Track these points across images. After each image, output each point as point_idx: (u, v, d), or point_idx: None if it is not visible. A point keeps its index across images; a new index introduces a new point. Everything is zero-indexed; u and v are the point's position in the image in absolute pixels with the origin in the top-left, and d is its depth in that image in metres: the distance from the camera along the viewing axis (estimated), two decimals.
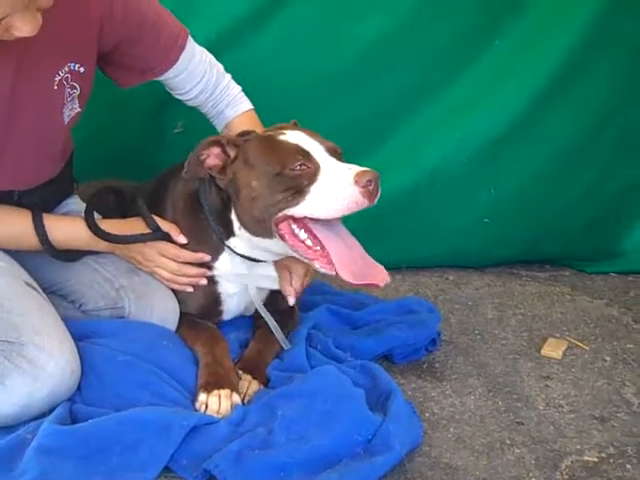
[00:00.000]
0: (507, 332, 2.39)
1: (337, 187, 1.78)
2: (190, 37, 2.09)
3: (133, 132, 2.67)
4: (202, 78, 2.13)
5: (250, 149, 1.91)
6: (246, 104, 2.22)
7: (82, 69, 1.89)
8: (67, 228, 1.96)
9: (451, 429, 1.85)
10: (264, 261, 2.03)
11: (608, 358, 2.23)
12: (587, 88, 2.73)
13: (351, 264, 1.83)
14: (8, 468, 1.56)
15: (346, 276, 1.81)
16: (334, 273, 1.84)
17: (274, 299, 2.13)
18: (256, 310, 2.11)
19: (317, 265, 1.85)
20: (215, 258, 2.04)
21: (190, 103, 2.21)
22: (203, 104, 2.20)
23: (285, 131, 1.94)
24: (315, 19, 2.62)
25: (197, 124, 2.60)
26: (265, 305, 2.09)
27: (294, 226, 1.86)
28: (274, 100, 2.56)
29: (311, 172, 1.82)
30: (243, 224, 1.93)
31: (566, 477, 1.68)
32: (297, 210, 1.83)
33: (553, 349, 2.25)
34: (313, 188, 1.81)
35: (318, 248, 1.86)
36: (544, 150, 2.78)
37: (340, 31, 2.63)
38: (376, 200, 1.81)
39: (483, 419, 1.89)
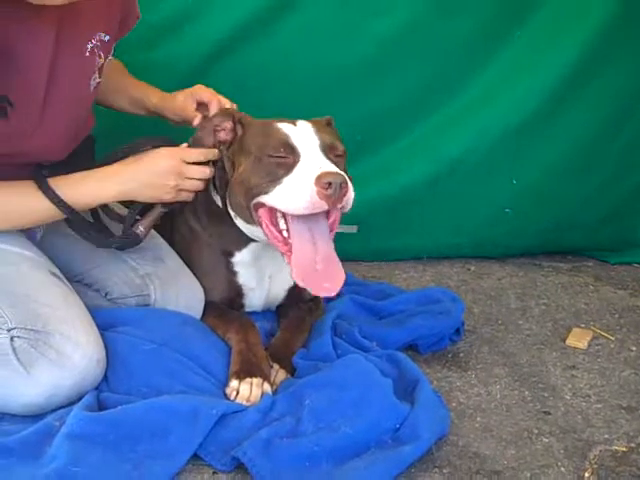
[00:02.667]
0: (531, 322, 2.38)
1: (300, 184, 1.75)
2: None
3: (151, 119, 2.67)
4: None
5: (248, 131, 1.91)
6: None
7: (107, 37, 1.91)
8: (74, 183, 1.85)
9: (478, 418, 1.84)
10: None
11: (634, 348, 2.22)
12: (606, 80, 2.72)
13: (306, 265, 1.79)
14: (36, 455, 1.56)
15: (294, 274, 1.78)
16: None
17: (302, 288, 2.11)
18: (280, 306, 2.13)
19: (286, 259, 1.82)
20: (238, 249, 2.04)
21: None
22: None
23: (297, 122, 1.91)
24: (335, 13, 2.61)
25: None
26: (288, 295, 2.09)
27: (278, 214, 1.83)
28: (293, 94, 2.57)
29: (289, 164, 1.80)
30: (233, 209, 1.93)
31: (595, 466, 1.67)
32: (267, 199, 1.81)
33: (578, 339, 2.24)
34: (285, 179, 1.79)
35: (280, 237, 1.84)
36: (565, 141, 2.77)
37: (360, 25, 2.63)
38: (342, 205, 1.74)
39: (510, 408, 1.88)
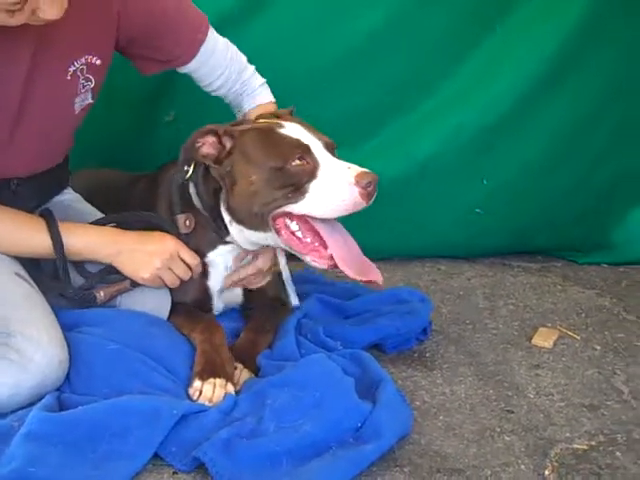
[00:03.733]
0: (498, 322, 2.39)
1: (337, 187, 1.79)
2: (212, 30, 2.10)
3: (125, 121, 2.67)
4: (224, 71, 2.14)
5: (249, 141, 1.89)
6: (266, 96, 2.22)
7: (99, 61, 1.91)
8: (79, 234, 1.92)
9: (441, 417, 1.85)
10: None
11: (598, 347, 2.23)
12: (580, 79, 2.73)
13: (352, 261, 1.85)
14: None
15: (350, 272, 1.83)
16: (325, 267, 1.86)
17: (262, 288, 2.13)
18: (244, 301, 2.14)
19: (309, 258, 1.87)
20: (211, 250, 2.04)
21: (214, 94, 2.21)
22: (225, 95, 2.21)
23: (283, 123, 1.92)
24: (307, 11, 2.62)
25: (188, 113, 2.60)
26: (254, 295, 2.11)
27: (287, 219, 1.86)
28: (272, 86, 2.57)
29: (310, 169, 1.82)
30: (237, 217, 1.92)
31: (555, 464, 1.68)
32: (296, 207, 1.83)
33: (544, 338, 2.25)
34: (312, 186, 1.81)
35: (309, 240, 1.86)
36: (536, 141, 2.78)
37: (333, 23, 2.63)
38: (372, 201, 1.81)
39: (473, 407, 1.89)
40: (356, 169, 1.80)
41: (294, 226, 1.87)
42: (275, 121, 1.95)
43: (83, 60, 1.87)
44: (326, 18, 2.63)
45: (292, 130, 1.89)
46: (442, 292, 2.61)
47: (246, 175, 1.86)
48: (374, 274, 1.87)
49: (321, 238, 1.87)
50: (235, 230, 1.95)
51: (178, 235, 1.98)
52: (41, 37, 1.75)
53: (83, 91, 1.92)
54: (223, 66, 2.13)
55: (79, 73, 1.88)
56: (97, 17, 1.86)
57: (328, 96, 2.67)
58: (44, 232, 1.86)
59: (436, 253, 2.88)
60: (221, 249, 2.04)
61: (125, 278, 1.94)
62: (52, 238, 1.86)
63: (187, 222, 2.00)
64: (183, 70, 2.12)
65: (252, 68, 2.21)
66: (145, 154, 2.62)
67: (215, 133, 1.91)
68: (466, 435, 1.78)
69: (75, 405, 1.66)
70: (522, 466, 1.67)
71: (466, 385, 2.00)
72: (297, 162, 1.82)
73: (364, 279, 1.85)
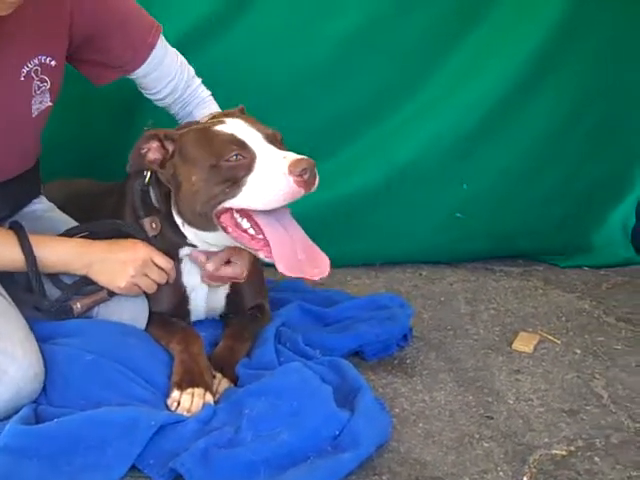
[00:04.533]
0: (479, 327, 2.39)
1: (272, 178, 1.75)
2: (162, 37, 2.09)
3: (102, 130, 2.66)
4: (173, 79, 2.13)
5: (187, 142, 1.88)
6: (214, 107, 2.21)
7: (53, 62, 1.89)
8: (51, 246, 1.90)
9: (420, 424, 1.84)
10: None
11: (578, 351, 2.24)
12: (558, 84, 2.76)
13: (289, 255, 1.80)
14: None
15: (281, 267, 1.78)
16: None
17: (241, 296, 2.12)
18: (226, 307, 2.12)
19: (262, 255, 1.83)
20: (181, 248, 2.01)
21: (160, 103, 2.20)
22: (172, 105, 2.19)
23: (225, 119, 1.91)
24: (286, 16, 2.63)
25: (167, 121, 2.59)
26: (235, 301, 2.11)
27: (237, 215, 1.83)
28: (246, 98, 2.55)
29: (247, 162, 1.79)
30: (186, 219, 1.91)
31: (534, 470, 1.68)
32: (234, 202, 1.80)
33: (524, 343, 2.25)
34: (249, 179, 1.78)
35: (261, 237, 1.83)
36: (516, 146, 2.80)
37: (312, 28, 2.64)
38: (314, 188, 1.78)
39: (453, 414, 1.89)
40: (291, 157, 1.76)
41: (245, 223, 1.84)
42: (217, 120, 1.94)
43: (36, 61, 1.85)
44: (300, 24, 2.63)
45: (230, 126, 1.87)
46: (423, 297, 2.61)
47: (188, 176, 1.85)
48: (311, 271, 1.79)
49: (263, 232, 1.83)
50: (189, 232, 1.94)
51: (147, 239, 1.97)
52: None
53: (39, 92, 1.89)
54: (172, 73, 2.12)
55: (33, 74, 1.86)
56: (49, 17, 1.84)
57: (306, 104, 2.68)
58: (15, 246, 1.84)
59: (418, 258, 2.88)
60: (188, 250, 2.01)
61: (102, 288, 1.93)
62: (24, 253, 1.84)
63: (153, 224, 1.98)
64: (132, 76, 2.10)
65: (199, 80, 2.21)
66: (124, 163, 2.60)
67: (157, 137, 1.91)
68: (445, 442, 1.77)
69: (52, 417, 1.64)
70: (501, 473, 1.67)
71: (446, 391, 2.00)
72: (232, 157, 1.79)
73: (297, 275, 1.79)
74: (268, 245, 1.81)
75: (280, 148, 1.84)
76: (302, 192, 1.75)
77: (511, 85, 2.72)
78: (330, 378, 1.84)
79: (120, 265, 1.90)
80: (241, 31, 2.60)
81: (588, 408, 1.93)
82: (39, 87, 1.89)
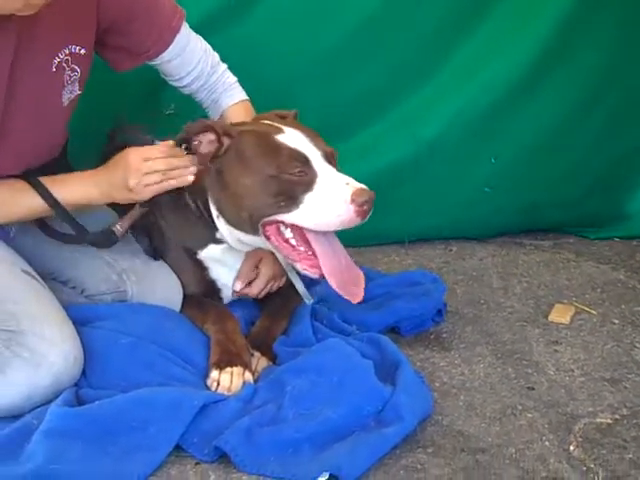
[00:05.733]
0: (513, 300, 2.37)
1: (333, 202, 1.75)
2: (185, 23, 2.07)
3: (125, 115, 2.64)
4: (197, 65, 2.11)
5: (246, 144, 1.85)
6: (241, 94, 2.19)
7: (83, 51, 1.88)
8: (64, 183, 1.88)
9: (462, 397, 1.83)
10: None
11: (616, 321, 2.21)
12: (585, 54, 2.71)
13: (337, 272, 1.82)
14: (15, 454, 1.54)
15: (332, 283, 1.80)
16: (317, 276, 1.83)
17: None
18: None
19: (300, 266, 1.84)
20: (201, 247, 2.01)
21: (185, 90, 2.17)
22: (198, 92, 2.17)
23: (284, 128, 1.87)
24: None
25: (189, 106, 2.57)
26: None
27: (283, 226, 1.83)
28: (267, 81, 2.55)
29: (307, 180, 1.78)
30: (225, 217, 1.89)
31: (580, 439, 1.67)
32: (287, 217, 1.80)
33: (561, 315, 2.23)
34: (307, 197, 1.77)
35: (303, 249, 1.84)
36: (542, 118, 2.76)
37: (333, 8, 2.61)
38: (367, 219, 1.78)
39: (493, 386, 1.88)
40: (354, 185, 1.76)
41: (288, 233, 1.84)
42: (276, 125, 1.90)
43: (67, 51, 1.84)
44: (325, 4, 2.60)
45: (292, 138, 1.84)
46: (455, 273, 2.58)
47: (239, 178, 1.82)
48: (352, 292, 1.82)
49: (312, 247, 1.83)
50: (224, 228, 1.92)
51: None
52: (22, 31, 1.72)
53: (70, 82, 1.89)
54: (197, 58, 2.09)
55: (64, 64, 1.85)
56: (78, 5, 1.82)
57: (331, 81, 2.65)
58: (33, 194, 1.83)
59: (447, 235, 2.86)
60: (212, 248, 2.00)
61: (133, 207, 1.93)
62: (42, 197, 1.83)
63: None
64: (157, 62, 2.06)
65: (225, 66, 2.18)
66: None
67: (214, 130, 1.86)
68: (488, 414, 1.76)
69: (93, 400, 1.65)
70: (546, 442, 1.66)
71: (485, 364, 1.98)
72: (295, 173, 1.78)
73: (343, 294, 1.82)
74: (309, 258, 1.82)
75: (334, 167, 1.83)
76: (358, 222, 1.76)
77: (537, 59, 2.68)
78: (369, 353, 1.83)
79: (123, 181, 1.83)
80: (262, 12, 2.57)
81: (630, 377, 1.92)
82: (70, 77, 1.88)
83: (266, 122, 1.94)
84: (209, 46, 2.16)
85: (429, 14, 2.65)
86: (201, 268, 2.03)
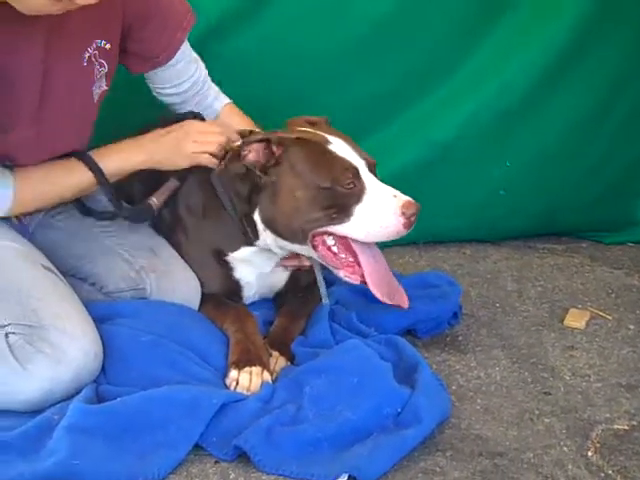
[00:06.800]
0: (528, 304, 2.37)
1: (383, 215, 1.80)
2: None
3: (141, 114, 2.64)
4: (195, 71, 2.12)
5: (298, 154, 1.85)
6: (225, 97, 2.22)
7: (108, 45, 1.89)
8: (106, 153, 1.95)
9: (478, 401, 1.84)
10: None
11: (632, 326, 2.22)
12: (596, 60, 2.70)
13: (382, 284, 1.88)
14: (36, 449, 1.55)
15: (379, 295, 1.86)
16: (357, 282, 1.88)
17: (295, 281, 2.13)
18: (277, 293, 2.13)
19: (342, 274, 1.88)
20: (231, 250, 2.02)
21: (177, 99, 2.14)
22: (189, 99, 2.15)
23: (329, 138, 1.89)
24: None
25: None
26: (286, 283, 2.11)
27: (327, 235, 1.87)
28: (282, 81, 2.56)
29: (357, 192, 1.82)
30: (272, 228, 1.90)
31: (598, 445, 1.67)
32: (338, 229, 1.83)
33: (576, 319, 2.23)
34: (357, 210, 1.81)
35: (344, 256, 1.88)
36: (557, 122, 2.75)
37: (348, 9, 2.60)
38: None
39: (510, 390, 1.88)
40: (402, 198, 1.81)
41: (330, 241, 1.87)
42: (320, 134, 1.92)
43: (94, 45, 1.86)
44: (340, 4, 2.60)
45: (340, 148, 1.87)
46: (469, 276, 2.58)
47: (291, 189, 1.84)
48: (401, 299, 1.90)
49: (355, 255, 1.87)
50: (269, 237, 1.93)
51: None
52: (52, 25, 1.73)
53: (99, 77, 1.90)
54: (194, 64, 2.11)
55: (94, 59, 1.87)
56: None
57: (344, 84, 2.64)
58: (85, 170, 1.90)
59: (461, 237, 2.86)
60: (244, 251, 2.01)
61: (168, 179, 2.00)
62: (94, 173, 1.89)
63: None
64: (163, 69, 2.06)
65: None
66: None
67: (267, 141, 1.87)
68: (505, 418, 1.77)
69: (113, 397, 1.65)
70: (564, 448, 1.66)
71: (501, 368, 1.99)
72: (348, 185, 1.80)
73: (391, 302, 1.88)
74: (351, 265, 1.87)
75: (376, 177, 1.88)
76: (404, 233, 1.81)
77: (551, 63, 2.68)
78: (388, 355, 1.84)
79: (175, 146, 1.93)
80: (275, 15, 2.56)
81: None
82: (98, 72, 1.90)
83: (308, 130, 1.95)
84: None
85: (443, 17, 2.65)
86: (227, 268, 2.04)
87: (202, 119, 2.07)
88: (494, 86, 2.70)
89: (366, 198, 1.81)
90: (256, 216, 1.92)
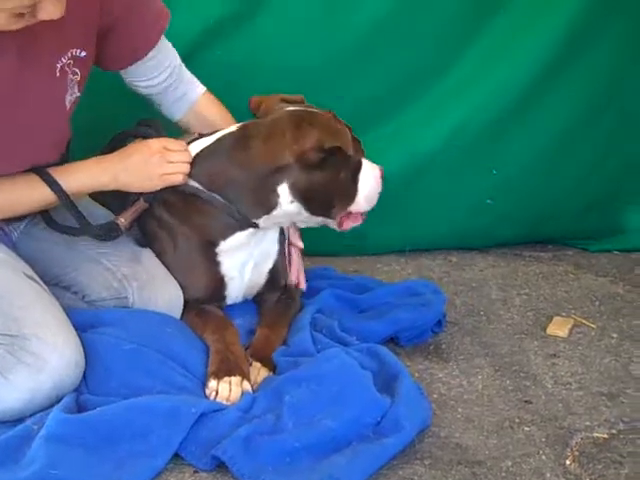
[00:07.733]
0: (512, 312, 2.38)
1: (375, 181, 2.07)
2: None
3: (131, 118, 2.65)
4: (172, 61, 2.11)
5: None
6: (200, 84, 2.20)
7: (83, 53, 1.88)
8: (70, 171, 1.92)
9: (459, 409, 1.84)
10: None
11: (615, 335, 2.22)
12: (587, 67, 2.71)
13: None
14: (14, 459, 1.54)
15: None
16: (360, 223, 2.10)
17: (275, 277, 2.15)
18: (258, 294, 2.14)
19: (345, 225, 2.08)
20: (223, 238, 2.01)
21: (153, 90, 2.13)
22: (166, 90, 2.14)
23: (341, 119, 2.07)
24: (313, 2, 2.60)
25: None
26: (267, 280, 2.14)
27: None
28: (272, 86, 2.56)
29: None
30: (309, 206, 1.99)
31: (577, 454, 1.68)
32: (354, 207, 2.05)
33: (559, 327, 2.24)
34: (360, 185, 2.05)
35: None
36: (544, 131, 2.76)
37: (340, 14, 2.62)
38: None
39: (491, 399, 1.89)
40: (375, 165, 2.11)
41: None
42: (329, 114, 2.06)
43: (69, 54, 1.85)
44: (331, 9, 2.61)
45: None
46: (455, 284, 2.59)
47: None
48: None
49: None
50: (292, 209, 1.98)
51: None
52: (24, 39, 1.72)
53: (71, 85, 1.89)
54: (170, 54, 2.10)
55: (67, 68, 1.85)
56: (78, 8, 1.80)
57: (330, 90, 2.65)
58: (42, 185, 1.87)
59: (447, 245, 2.86)
60: (238, 236, 2.01)
61: (137, 198, 1.97)
62: (53, 190, 1.87)
63: None
64: (143, 60, 2.04)
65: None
66: None
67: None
68: (485, 427, 1.77)
69: (93, 406, 1.65)
70: (543, 456, 1.67)
71: (483, 376, 1.99)
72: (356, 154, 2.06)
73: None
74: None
75: None
76: None
77: (539, 69, 2.69)
78: (369, 364, 1.84)
79: (143, 165, 1.91)
80: (267, 20, 2.58)
81: (628, 391, 1.92)
82: (71, 80, 1.89)
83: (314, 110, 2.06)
84: None
85: (429, 24, 2.65)
86: (214, 263, 2.03)
87: (158, 129, 2.04)
88: (480, 95, 2.71)
89: (362, 171, 2.06)
90: (282, 189, 1.94)
